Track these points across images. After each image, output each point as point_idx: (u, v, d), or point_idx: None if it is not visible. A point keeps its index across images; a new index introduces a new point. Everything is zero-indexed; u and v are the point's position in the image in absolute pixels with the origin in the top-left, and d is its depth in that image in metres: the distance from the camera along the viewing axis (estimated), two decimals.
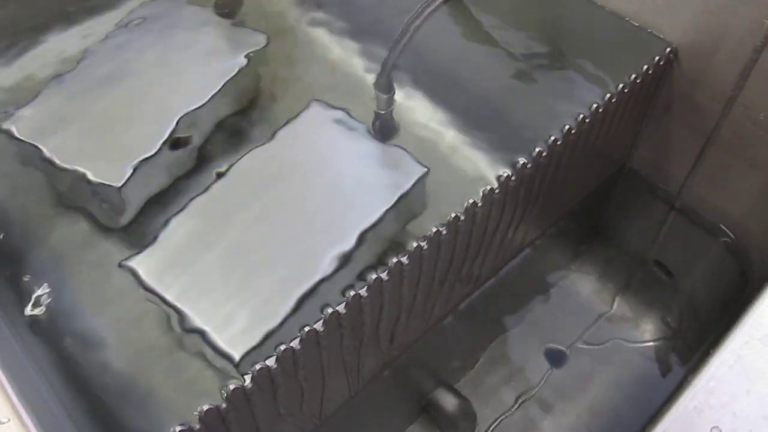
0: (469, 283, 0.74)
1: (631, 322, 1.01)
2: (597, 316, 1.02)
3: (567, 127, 0.65)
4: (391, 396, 0.84)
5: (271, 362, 0.51)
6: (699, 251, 0.91)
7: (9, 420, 0.41)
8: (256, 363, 0.50)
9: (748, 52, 0.68)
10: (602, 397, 0.95)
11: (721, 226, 0.85)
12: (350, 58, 0.73)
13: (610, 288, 1.04)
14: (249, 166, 0.62)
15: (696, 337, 0.96)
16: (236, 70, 0.66)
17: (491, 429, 0.93)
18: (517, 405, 0.95)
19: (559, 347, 1.00)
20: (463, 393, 0.91)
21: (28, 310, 0.56)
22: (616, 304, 1.03)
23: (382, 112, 0.66)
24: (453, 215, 0.59)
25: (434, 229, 0.58)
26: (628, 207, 0.96)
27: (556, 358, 0.99)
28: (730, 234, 0.85)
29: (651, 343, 0.99)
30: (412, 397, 0.90)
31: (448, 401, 0.89)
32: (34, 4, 0.78)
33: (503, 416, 0.94)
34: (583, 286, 1.05)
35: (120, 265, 0.56)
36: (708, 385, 0.42)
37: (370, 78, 0.66)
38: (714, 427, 0.41)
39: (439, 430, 0.92)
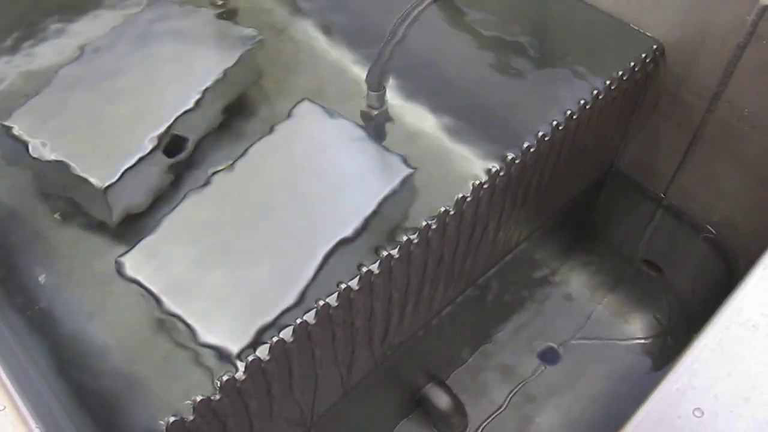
0: (460, 281, 0.75)
1: (622, 319, 1.02)
2: (588, 313, 1.03)
3: (555, 122, 0.66)
4: (383, 393, 0.84)
5: (263, 354, 0.52)
6: (686, 248, 0.92)
7: (5, 407, 0.42)
8: (249, 355, 0.51)
9: (731, 49, 0.69)
10: (594, 393, 0.96)
11: (707, 223, 0.86)
12: (342, 57, 0.73)
13: (600, 286, 1.05)
14: (241, 166, 0.63)
15: (685, 333, 0.97)
16: (228, 70, 0.66)
17: (483, 426, 0.94)
18: (509, 402, 0.95)
19: (551, 345, 1.00)
20: (455, 390, 0.92)
21: (22, 307, 0.57)
22: (606, 301, 1.04)
23: (373, 110, 0.67)
24: (442, 209, 0.59)
25: (424, 223, 0.59)
26: (616, 205, 0.97)
27: (547, 356, 1.00)
28: (715, 231, 0.86)
29: (641, 340, 1.00)
30: (405, 394, 0.90)
31: (440, 398, 0.90)
32: (32, 2, 0.79)
33: (495, 413, 0.95)
34: (573, 284, 1.06)
35: (115, 262, 0.57)
36: (691, 368, 0.43)
37: (362, 76, 0.66)
38: (696, 409, 0.42)
39: (432, 425, 0.93)
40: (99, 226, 0.61)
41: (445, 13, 0.77)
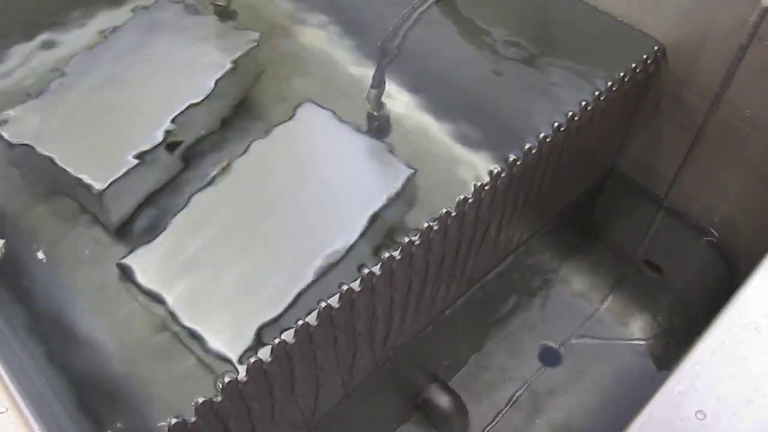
0: (461, 282, 0.75)
1: (622, 320, 1.02)
2: (589, 314, 1.03)
3: (556, 124, 0.66)
4: (385, 395, 0.84)
5: (265, 356, 0.52)
6: (687, 250, 0.92)
7: (7, 410, 0.42)
8: (251, 357, 0.51)
9: (733, 50, 0.69)
10: (595, 394, 0.96)
11: (708, 225, 0.86)
12: (343, 58, 0.73)
13: (601, 287, 1.05)
14: (242, 167, 0.63)
15: (686, 334, 0.97)
16: (228, 70, 0.66)
17: (485, 427, 0.94)
18: (511, 403, 0.95)
19: (552, 346, 1.00)
20: (456, 391, 0.92)
21: (23, 309, 0.57)
22: (607, 302, 1.04)
23: (375, 111, 0.67)
24: (444, 210, 0.59)
25: (425, 224, 0.58)
26: (617, 206, 0.97)
27: (549, 357, 1.00)
28: (716, 232, 0.86)
29: (642, 341, 1.00)
30: (406, 396, 0.90)
31: (442, 399, 0.90)
32: (29, 5, 0.79)
33: (497, 414, 0.95)
34: (574, 285, 1.06)
35: (117, 264, 0.57)
36: (693, 370, 0.43)
37: (363, 78, 0.66)
38: (698, 411, 0.42)
39: (433, 427, 0.93)
40: (99, 227, 0.61)
41: (446, 14, 0.77)
